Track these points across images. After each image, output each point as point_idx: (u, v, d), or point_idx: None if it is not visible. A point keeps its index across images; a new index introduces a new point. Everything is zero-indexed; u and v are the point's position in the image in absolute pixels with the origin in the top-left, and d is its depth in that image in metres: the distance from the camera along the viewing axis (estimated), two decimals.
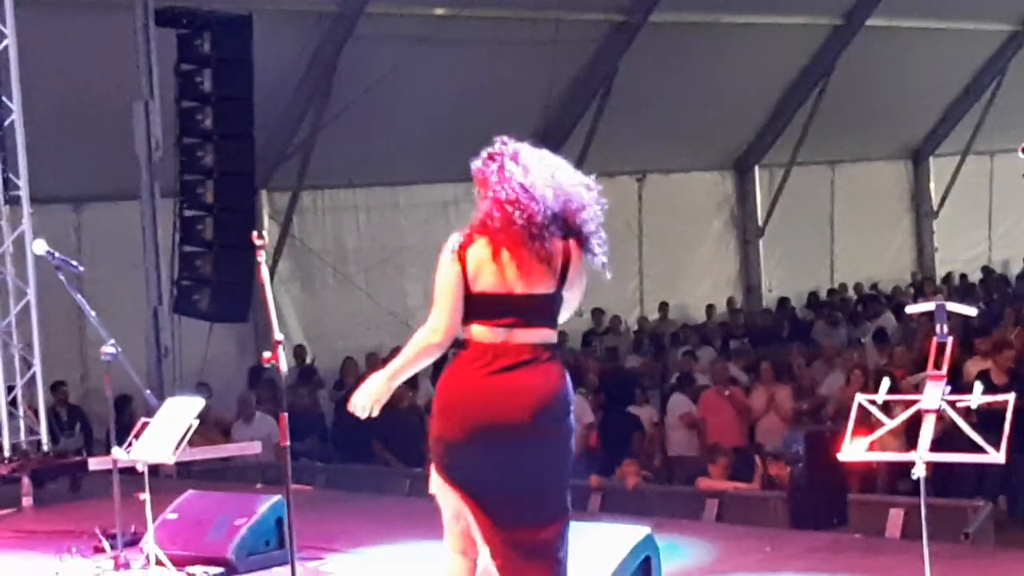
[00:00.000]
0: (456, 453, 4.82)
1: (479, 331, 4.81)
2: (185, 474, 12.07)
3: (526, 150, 4.99)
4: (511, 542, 4.78)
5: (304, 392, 16.84)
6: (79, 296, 7.81)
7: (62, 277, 7.87)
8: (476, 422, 4.77)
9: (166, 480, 10.62)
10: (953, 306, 5.20)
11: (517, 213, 4.75)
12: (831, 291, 23.10)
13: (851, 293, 23.09)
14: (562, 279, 4.82)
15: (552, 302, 4.83)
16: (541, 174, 4.88)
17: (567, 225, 4.83)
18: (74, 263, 7.94)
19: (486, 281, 4.79)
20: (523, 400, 4.75)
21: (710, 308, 21.50)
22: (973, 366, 12.41)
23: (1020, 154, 5.10)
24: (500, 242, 4.78)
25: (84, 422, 14.65)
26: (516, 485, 4.79)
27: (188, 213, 15.32)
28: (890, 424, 5.06)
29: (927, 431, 4.87)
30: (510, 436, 4.75)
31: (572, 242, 4.84)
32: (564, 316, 4.94)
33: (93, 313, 7.73)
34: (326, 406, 16.40)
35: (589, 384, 15.20)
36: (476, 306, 4.81)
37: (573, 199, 4.87)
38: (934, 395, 4.93)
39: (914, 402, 5.00)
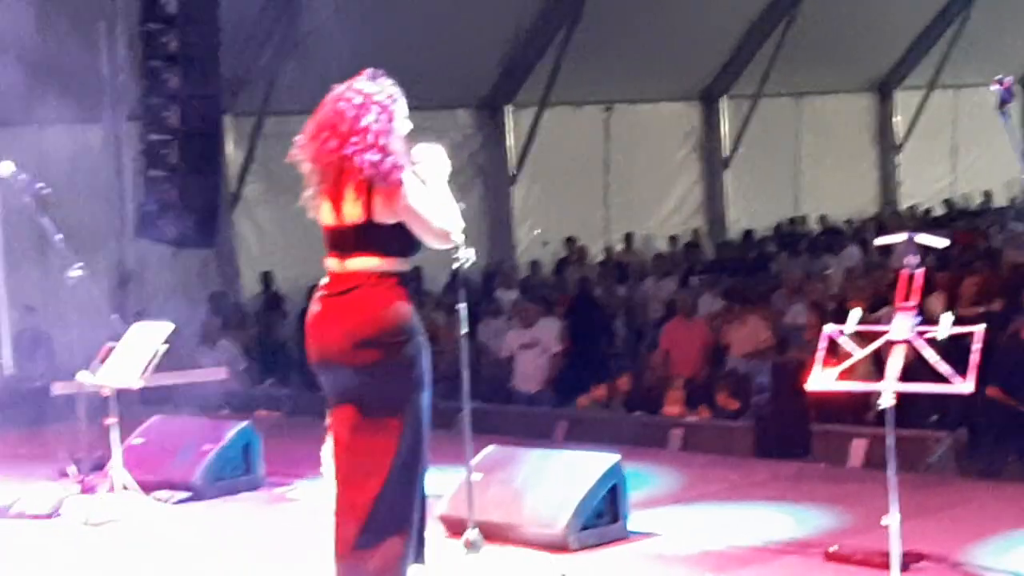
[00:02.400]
0: (315, 374, 5.19)
1: (327, 261, 5.17)
2: (150, 399, 12.04)
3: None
4: (346, 460, 5.06)
5: (270, 319, 16.85)
6: (45, 219, 7.74)
7: (28, 200, 7.79)
8: (311, 345, 5.16)
9: (132, 405, 10.58)
10: (923, 237, 5.22)
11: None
12: (792, 220, 23.16)
13: (815, 225, 23.15)
14: (369, 210, 5.03)
15: (367, 232, 5.04)
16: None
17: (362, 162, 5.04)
18: (40, 185, 7.85)
19: (322, 215, 5.16)
20: (343, 325, 5.03)
21: (673, 239, 21.53)
22: (936, 300, 12.47)
23: (992, 87, 5.10)
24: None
25: (50, 347, 14.54)
26: (347, 404, 5.05)
27: (153, 137, 15.16)
28: (859, 354, 5.09)
29: (896, 362, 4.90)
30: (332, 358, 5.06)
31: (372, 175, 5.02)
32: (432, 242, 5.16)
33: (59, 236, 7.67)
34: (292, 332, 16.38)
35: (558, 313, 15.23)
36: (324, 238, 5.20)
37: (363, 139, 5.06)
38: (903, 326, 4.96)
39: (883, 333, 5.03)
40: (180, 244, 15.48)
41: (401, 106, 5.21)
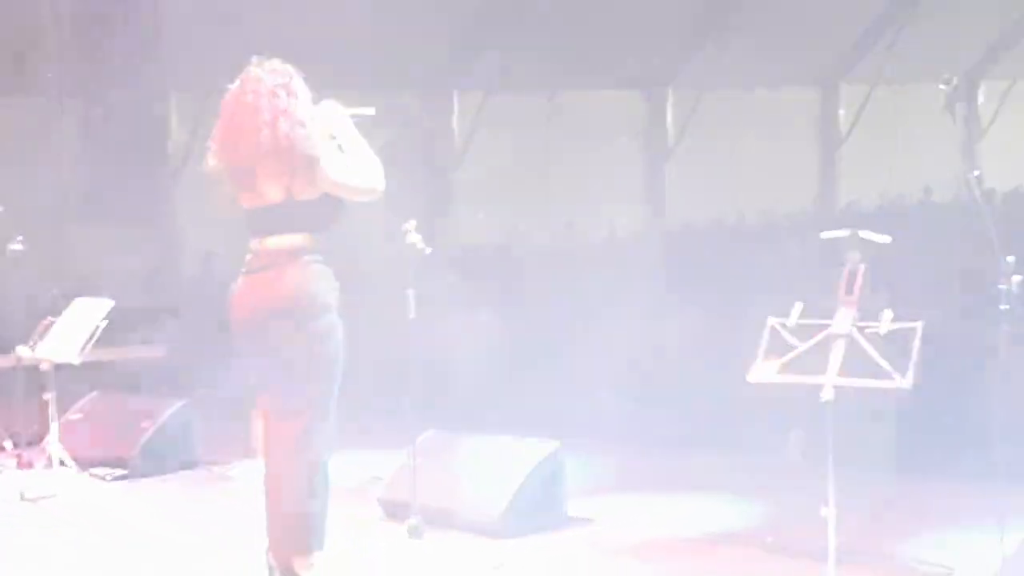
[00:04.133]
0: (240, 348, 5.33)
1: (250, 241, 5.27)
2: (87, 376, 11.95)
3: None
4: (267, 432, 5.23)
5: (209, 298, 16.74)
6: None
7: None
8: (232, 320, 5.28)
9: (70, 382, 10.51)
10: (867, 234, 5.28)
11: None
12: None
13: (755, 220, 23.29)
14: (289, 189, 5.11)
15: (287, 210, 5.13)
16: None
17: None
18: None
19: (242, 200, 5.24)
20: (257, 300, 5.15)
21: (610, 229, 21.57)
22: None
23: (941, 87, 5.16)
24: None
25: None
26: (260, 377, 5.22)
27: (94, 113, 15.04)
28: (800, 347, 5.14)
29: (837, 355, 4.96)
30: (249, 333, 5.20)
31: (289, 156, 5.09)
32: (362, 199, 5.23)
33: (1, 208, 7.60)
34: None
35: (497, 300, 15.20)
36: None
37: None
38: (845, 320, 5.02)
39: (825, 326, 5.09)
40: (121, 220, 15.39)
41: (299, 81, 5.23)
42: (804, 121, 25.27)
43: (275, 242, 5.18)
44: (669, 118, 23.14)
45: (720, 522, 6.70)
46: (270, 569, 5.28)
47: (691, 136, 23.01)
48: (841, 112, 25.48)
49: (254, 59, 5.29)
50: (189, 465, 8.33)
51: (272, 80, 5.19)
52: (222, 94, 5.31)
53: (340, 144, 5.25)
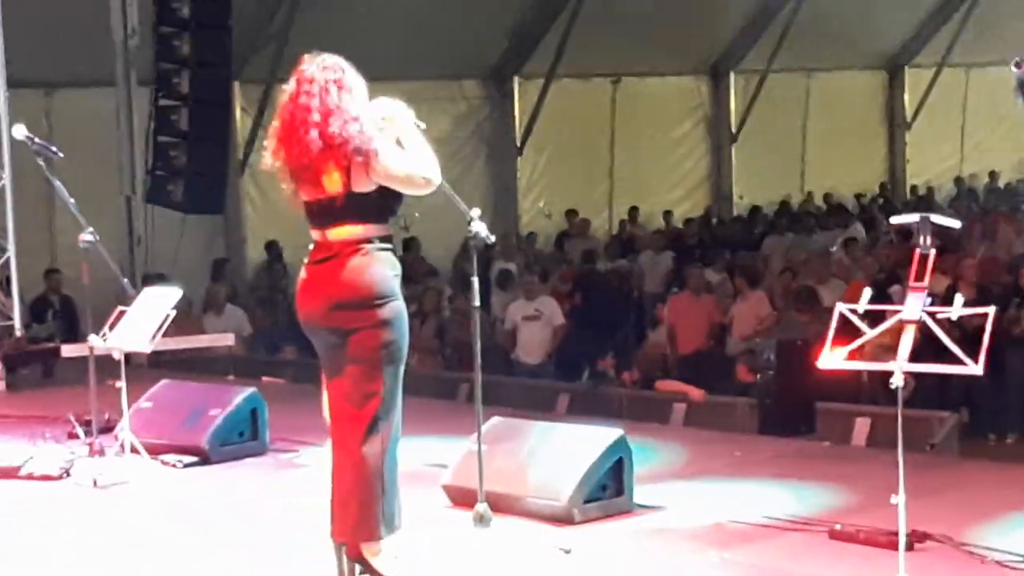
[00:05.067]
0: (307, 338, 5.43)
1: (311, 232, 5.37)
2: (156, 364, 12.11)
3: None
4: (336, 418, 5.27)
5: (273, 286, 16.88)
6: (57, 182, 7.75)
7: (41, 163, 7.81)
8: (298, 310, 5.39)
9: (138, 369, 10.64)
10: (937, 218, 5.23)
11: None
12: (804, 201, 23.16)
13: (820, 203, 23.15)
14: (347, 182, 5.18)
15: (347, 202, 5.19)
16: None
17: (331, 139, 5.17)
18: (53, 148, 7.87)
19: (302, 195, 5.32)
20: (322, 290, 5.23)
21: (667, 215, 21.49)
22: (934, 281, 12.46)
23: (1013, 69, 5.10)
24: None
25: (72, 311, 14.51)
26: (329, 364, 5.30)
27: (163, 103, 15.19)
28: (870, 333, 5.11)
29: (907, 341, 4.92)
30: (315, 322, 5.29)
31: (346, 151, 5.15)
32: (418, 193, 5.29)
33: (72, 200, 7.69)
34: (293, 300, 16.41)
35: (560, 286, 15.25)
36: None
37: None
38: (915, 306, 4.98)
39: (895, 312, 5.05)
40: (188, 210, 15.54)
41: (352, 74, 5.28)
42: (869, 104, 25.08)
43: (337, 233, 5.25)
44: (733, 102, 23.02)
45: (788, 508, 6.67)
46: (338, 556, 5.33)
47: (755, 120, 22.88)
48: (906, 96, 25.25)
49: (306, 56, 5.33)
50: (258, 452, 8.40)
51: (324, 76, 5.23)
52: (287, 84, 5.36)
53: (396, 137, 5.28)
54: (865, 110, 24.99)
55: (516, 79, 20.74)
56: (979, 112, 24.97)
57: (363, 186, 5.20)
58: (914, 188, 24.68)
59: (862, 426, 9.16)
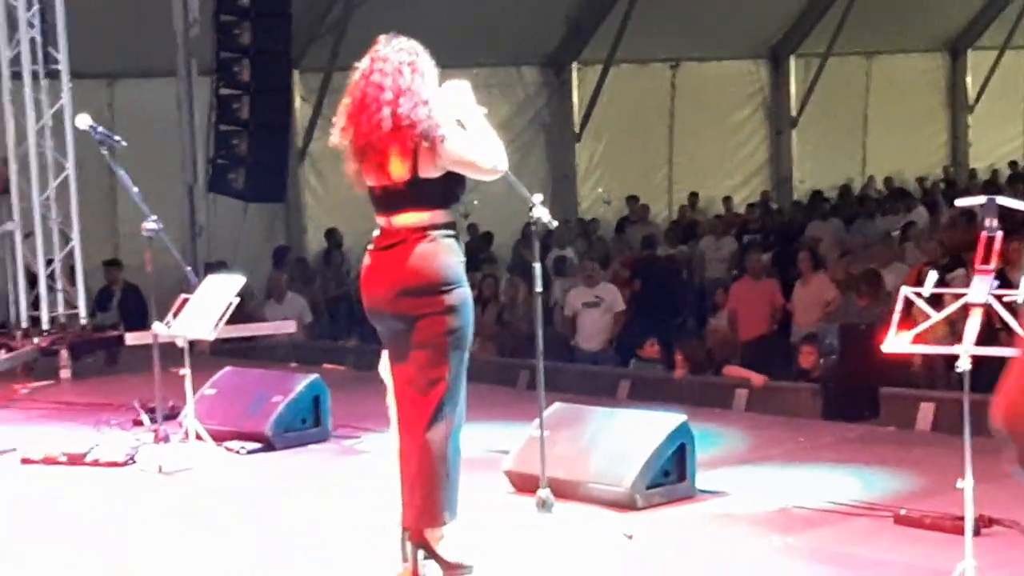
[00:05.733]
0: (371, 324, 5.44)
1: (376, 218, 5.36)
2: (219, 351, 12.19)
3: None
4: (402, 404, 5.28)
5: (330, 274, 16.95)
6: (121, 171, 7.82)
7: (104, 152, 7.88)
8: (363, 296, 5.39)
9: (201, 357, 10.72)
10: (1004, 200, 5.17)
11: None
12: (864, 185, 22.97)
13: (881, 187, 22.97)
14: (415, 167, 5.17)
15: (413, 188, 5.18)
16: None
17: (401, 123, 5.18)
18: (116, 138, 7.94)
19: (367, 180, 5.32)
20: (388, 276, 5.24)
21: (727, 200, 21.38)
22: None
23: None
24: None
25: (136, 299, 14.62)
26: (394, 350, 5.30)
27: (224, 91, 15.28)
28: (936, 317, 5.06)
29: (973, 325, 4.87)
30: (380, 308, 5.29)
31: (415, 135, 5.15)
32: (484, 178, 5.33)
33: (136, 189, 7.75)
34: (355, 288, 16.48)
35: (620, 272, 15.21)
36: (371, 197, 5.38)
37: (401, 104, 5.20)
38: (981, 289, 4.92)
39: (961, 295, 4.99)
40: (250, 198, 15.65)
41: (425, 59, 5.29)
42: (930, 87, 24.85)
43: (402, 219, 5.25)
44: (793, 86, 22.86)
45: (853, 494, 6.63)
46: (402, 540, 5.35)
47: (815, 104, 22.72)
48: (968, 78, 24.99)
49: (381, 37, 5.34)
50: (320, 438, 8.44)
51: (399, 57, 5.24)
52: (344, 73, 5.37)
53: (464, 123, 5.29)
54: (927, 93, 24.75)
55: (575, 65, 20.71)
56: None
57: (430, 171, 5.20)
58: (973, 172, 24.41)
59: (927, 411, 9.08)
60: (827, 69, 22.55)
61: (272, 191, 15.70)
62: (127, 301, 14.28)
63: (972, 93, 25.04)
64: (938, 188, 22.74)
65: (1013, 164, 24.75)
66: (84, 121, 7.97)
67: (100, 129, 7.90)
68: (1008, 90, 25.06)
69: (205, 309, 7.93)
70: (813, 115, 22.79)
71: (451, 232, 5.30)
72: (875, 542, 5.92)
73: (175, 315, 7.99)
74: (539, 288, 6.08)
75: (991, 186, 21.94)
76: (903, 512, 6.07)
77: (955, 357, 4.92)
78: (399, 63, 5.22)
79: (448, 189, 5.28)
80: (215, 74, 15.31)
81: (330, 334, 15.38)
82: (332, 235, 17.78)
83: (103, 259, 14.89)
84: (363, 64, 5.30)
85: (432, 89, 5.25)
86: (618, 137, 21.05)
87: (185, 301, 8.04)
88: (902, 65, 24.10)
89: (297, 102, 17.64)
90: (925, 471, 6.99)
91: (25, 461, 7.99)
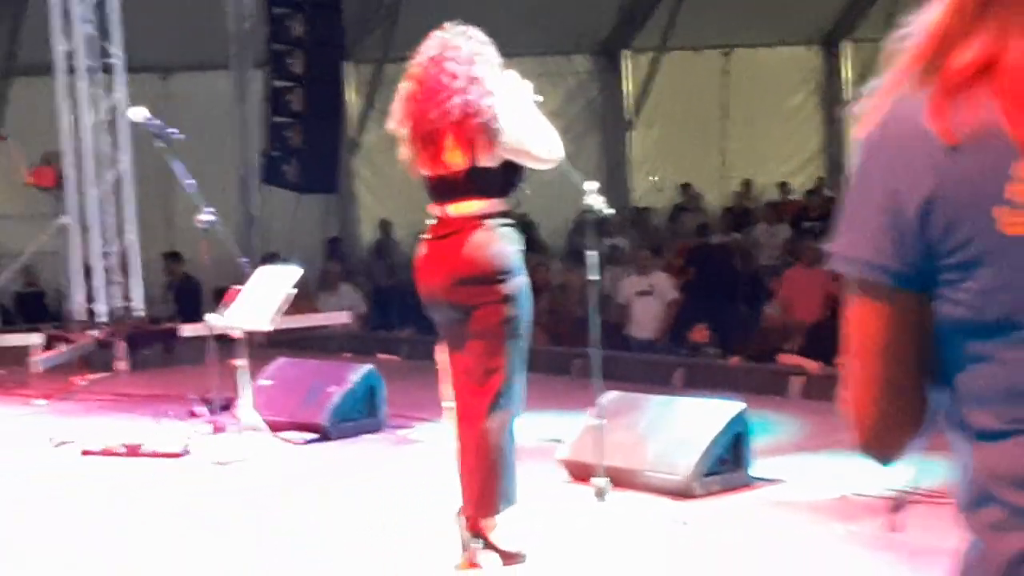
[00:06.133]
0: (428, 313, 5.46)
1: (431, 208, 5.36)
2: (273, 343, 12.23)
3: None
4: (460, 392, 5.27)
5: (387, 265, 16.99)
6: (177, 163, 7.87)
7: (160, 145, 7.93)
8: (419, 286, 5.39)
9: (255, 348, 10.76)
10: None
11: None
12: None
13: None
14: (472, 156, 5.16)
15: (470, 177, 5.17)
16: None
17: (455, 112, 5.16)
18: (172, 130, 7.99)
19: (422, 168, 5.30)
20: (445, 266, 5.23)
21: (784, 186, 21.24)
22: None
23: None
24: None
25: (193, 291, 14.70)
26: (453, 340, 5.29)
27: (277, 84, 15.35)
28: None
29: None
30: (437, 297, 5.28)
31: (473, 124, 5.14)
32: (541, 168, 5.30)
33: (192, 180, 7.80)
34: (408, 279, 16.51)
35: (674, 260, 15.15)
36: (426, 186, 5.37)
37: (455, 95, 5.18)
38: None
39: None
40: (304, 190, 15.71)
41: (489, 49, 5.28)
42: None
43: (459, 208, 5.24)
44: (846, 72, 22.68)
45: (912, 480, 6.56)
46: (460, 529, 5.36)
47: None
48: None
49: (447, 25, 5.32)
50: (375, 428, 8.47)
51: (469, 47, 5.23)
52: (397, 64, 5.36)
53: (522, 113, 5.27)
54: None
55: (626, 53, 20.63)
56: None
57: (487, 161, 5.19)
58: None
59: None
60: (881, 54, 22.33)
61: (325, 182, 15.75)
62: (183, 293, 14.37)
63: None
64: None
65: None
66: (140, 114, 8.03)
67: (156, 122, 7.95)
68: None
69: (259, 300, 7.96)
70: None
71: (508, 221, 5.29)
72: (938, 530, 5.86)
73: (227, 306, 8.02)
74: (595, 276, 6.06)
75: None
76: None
77: None
78: (472, 52, 5.22)
79: (505, 178, 5.27)
80: (268, 66, 15.37)
81: (382, 324, 15.42)
82: (384, 226, 17.83)
83: (159, 252, 15.00)
84: (431, 50, 5.27)
85: (497, 80, 5.24)
86: (671, 124, 20.96)
87: (237, 292, 8.07)
88: None
89: (350, 93, 17.68)
90: None
91: (86, 453, 8.06)
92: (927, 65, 1.68)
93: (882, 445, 1.80)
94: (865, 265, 1.66)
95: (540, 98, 5.38)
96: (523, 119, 5.26)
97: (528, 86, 5.36)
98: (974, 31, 1.63)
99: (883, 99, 1.74)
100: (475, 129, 5.14)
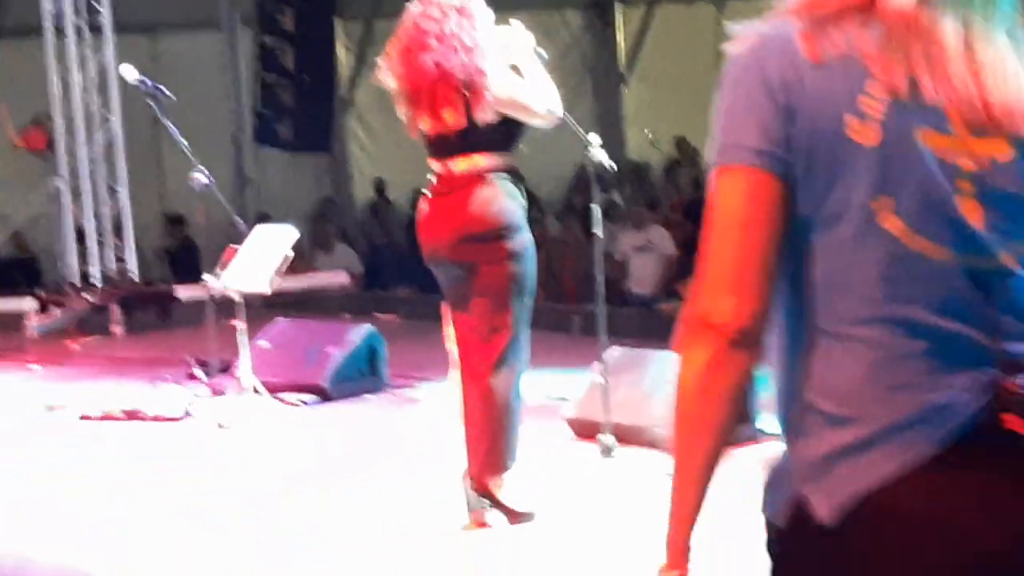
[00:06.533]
0: (431, 271, 5.38)
1: (431, 163, 5.26)
2: (270, 303, 12.13)
3: None
4: (464, 351, 5.20)
5: (382, 224, 16.88)
6: (170, 124, 7.76)
7: (152, 105, 7.82)
8: (422, 244, 5.31)
9: (253, 309, 10.67)
10: None
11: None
12: None
13: None
14: (469, 113, 5.07)
15: (469, 134, 5.08)
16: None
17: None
18: (164, 90, 7.87)
19: (421, 125, 5.19)
20: (449, 223, 5.14)
21: None
22: None
23: None
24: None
25: (195, 254, 14.57)
26: (456, 298, 5.21)
27: (267, 41, 15.21)
28: None
29: None
30: (441, 255, 5.21)
31: (466, 80, 5.06)
32: (539, 124, 5.24)
33: (185, 141, 7.69)
34: (404, 237, 16.42)
35: (672, 216, 15.06)
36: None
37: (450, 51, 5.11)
38: None
39: None
40: (296, 149, 15.60)
41: (476, 2, 5.20)
42: None
43: (460, 164, 5.15)
44: None
45: None
46: (466, 489, 5.29)
47: None
48: None
49: None
50: (376, 388, 8.40)
51: (447, 1, 5.12)
52: (387, 20, 5.26)
53: (519, 67, 5.18)
54: None
55: (618, 7, 20.47)
56: None
57: (484, 116, 5.10)
58: None
59: None
60: None
61: (318, 140, 15.64)
62: (181, 255, 14.27)
63: None
64: None
65: None
66: (132, 74, 7.91)
67: (149, 82, 7.83)
68: None
69: (256, 260, 7.87)
70: None
71: (511, 177, 5.19)
72: None
73: (223, 266, 7.93)
74: (599, 231, 5.99)
75: None
76: None
77: None
78: (447, 7, 5.12)
79: (506, 133, 5.18)
80: (258, 24, 15.22)
81: (378, 284, 15.33)
82: (379, 185, 17.70)
83: (152, 213, 14.89)
84: (414, 7, 5.19)
85: (482, 34, 5.13)
86: (665, 79, 20.80)
87: (233, 252, 7.97)
88: None
89: (340, 51, 17.51)
90: None
91: (84, 417, 7.98)
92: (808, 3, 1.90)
93: (738, 317, 1.88)
94: (750, 151, 1.85)
95: (544, 53, 5.27)
96: (520, 74, 5.16)
97: (530, 39, 5.25)
98: None
99: (761, 25, 1.97)
100: (456, 86, 5.05)
